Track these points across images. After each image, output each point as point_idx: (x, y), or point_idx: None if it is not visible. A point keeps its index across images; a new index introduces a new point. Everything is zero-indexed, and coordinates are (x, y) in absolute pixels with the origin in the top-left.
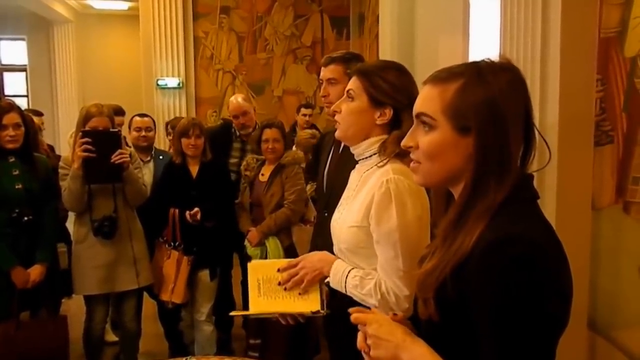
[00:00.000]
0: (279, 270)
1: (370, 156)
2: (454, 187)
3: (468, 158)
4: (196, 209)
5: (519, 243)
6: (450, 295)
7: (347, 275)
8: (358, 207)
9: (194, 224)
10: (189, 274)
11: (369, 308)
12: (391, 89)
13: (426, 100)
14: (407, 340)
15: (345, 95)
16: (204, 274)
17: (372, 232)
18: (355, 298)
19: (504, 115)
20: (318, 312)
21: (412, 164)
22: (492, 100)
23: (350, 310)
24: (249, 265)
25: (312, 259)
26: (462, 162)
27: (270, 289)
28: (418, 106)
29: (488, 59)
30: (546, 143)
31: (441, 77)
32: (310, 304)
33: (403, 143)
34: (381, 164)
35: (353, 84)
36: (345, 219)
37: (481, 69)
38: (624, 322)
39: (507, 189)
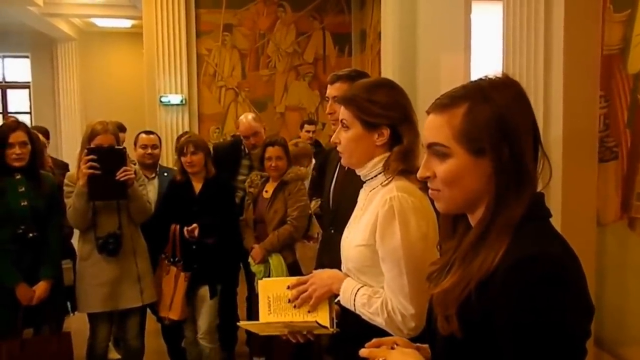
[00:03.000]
0: (288, 287)
1: (376, 175)
2: (474, 210)
3: (487, 179)
4: (194, 225)
5: (546, 261)
6: (474, 311)
7: (356, 294)
8: (364, 226)
9: (192, 240)
10: (188, 290)
11: (378, 328)
12: (382, 108)
13: (434, 129)
14: None
15: (340, 125)
16: (205, 291)
17: (377, 249)
18: (363, 317)
19: (515, 130)
20: (327, 328)
21: (431, 192)
22: (500, 117)
23: (363, 351)
24: (260, 283)
25: (322, 276)
26: (482, 184)
27: (280, 306)
28: (427, 137)
29: (486, 76)
30: (547, 159)
31: (445, 104)
32: (320, 321)
33: (419, 175)
34: (385, 182)
35: (343, 113)
36: (352, 238)
37: (484, 88)
38: (630, 339)
39: (525, 202)
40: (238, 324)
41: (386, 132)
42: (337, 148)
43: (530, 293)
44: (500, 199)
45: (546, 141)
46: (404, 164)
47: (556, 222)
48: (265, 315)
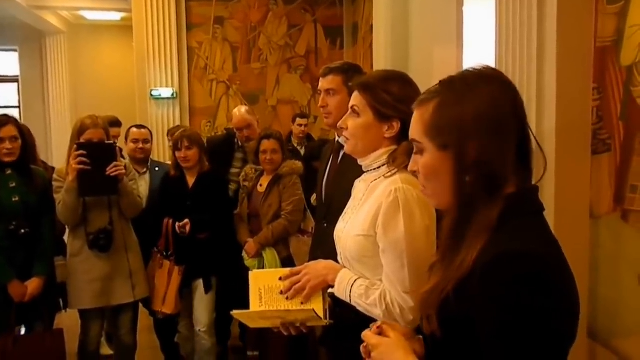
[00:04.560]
0: (280, 278)
1: (379, 167)
2: None
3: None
4: (186, 220)
5: (521, 259)
6: (453, 312)
7: (352, 285)
8: (364, 216)
9: (183, 236)
10: (182, 284)
11: (373, 320)
12: (396, 101)
13: (413, 125)
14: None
15: (350, 110)
16: (199, 285)
17: (378, 241)
18: (359, 308)
19: (484, 128)
20: (321, 319)
21: (421, 189)
22: (466, 115)
23: (363, 335)
24: (251, 274)
25: (317, 267)
26: (453, 180)
27: (272, 298)
28: (410, 133)
29: (469, 70)
30: (542, 152)
31: (422, 99)
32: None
33: (409, 168)
34: (389, 174)
35: (356, 99)
36: (351, 228)
37: (455, 84)
38: (624, 331)
39: (501, 204)
40: (232, 313)
41: (397, 125)
42: (344, 133)
43: (504, 292)
44: (465, 197)
45: (539, 133)
46: (410, 159)
47: (549, 214)
48: (257, 306)
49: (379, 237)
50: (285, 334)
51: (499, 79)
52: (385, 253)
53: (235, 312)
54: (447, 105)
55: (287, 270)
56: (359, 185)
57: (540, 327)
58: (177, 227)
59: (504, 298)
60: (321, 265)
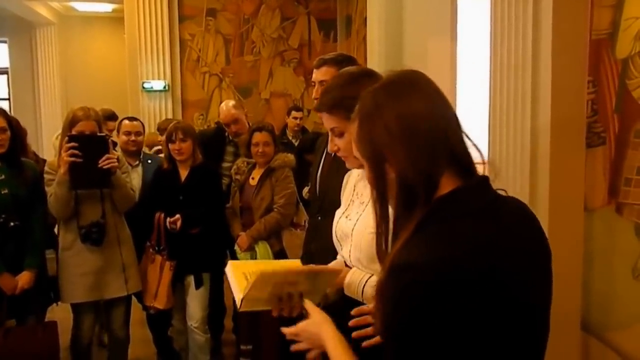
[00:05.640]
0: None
1: None
2: None
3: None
4: (177, 216)
5: (411, 270)
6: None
7: (364, 284)
8: None
9: (174, 232)
10: (173, 279)
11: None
12: None
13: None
14: (327, 330)
15: (331, 133)
16: (191, 280)
17: None
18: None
19: (396, 143)
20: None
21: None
22: (377, 133)
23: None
24: (230, 263)
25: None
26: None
27: None
28: None
29: (388, 79)
30: (478, 149)
31: (352, 118)
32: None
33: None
34: None
35: (329, 121)
36: (363, 227)
37: (366, 106)
38: (617, 323)
39: (417, 216)
40: (229, 262)
41: None
42: (339, 154)
43: (392, 303)
44: (384, 208)
45: (534, 126)
46: None
47: (544, 207)
48: (244, 286)
49: None
50: (275, 314)
51: (417, 84)
52: None
53: (232, 262)
54: (362, 126)
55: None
56: (362, 182)
57: (427, 335)
58: (167, 223)
59: (391, 309)
60: (313, 327)
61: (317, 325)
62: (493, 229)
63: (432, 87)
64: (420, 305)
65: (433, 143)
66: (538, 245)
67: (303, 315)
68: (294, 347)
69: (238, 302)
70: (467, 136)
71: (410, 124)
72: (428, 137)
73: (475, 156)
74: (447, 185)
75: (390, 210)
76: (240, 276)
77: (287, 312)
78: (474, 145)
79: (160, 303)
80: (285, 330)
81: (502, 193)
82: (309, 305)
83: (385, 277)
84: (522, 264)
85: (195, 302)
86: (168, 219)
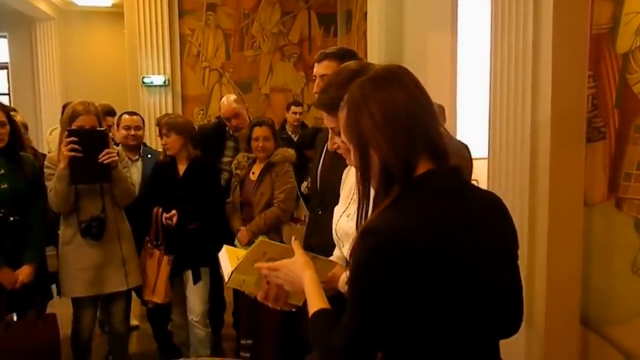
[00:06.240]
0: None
1: None
2: None
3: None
4: (173, 212)
5: (377, 235)
6: None
7: None
8: None
9: (170, 228)
10: (173, 274)
11: None
12: None
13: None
14: (310, 274)
15: (330, 131)
16: (190, 275)
17: None
18: None
19: (380, 132)
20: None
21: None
22: (364, 123)
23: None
24: (225, 247)
25: (294, 267)
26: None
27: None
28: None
29: (373, 73)
30: (447, 138)
31: (342, 106)
32: (295, 296)
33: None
34: None
35: (329, 121)
36: None
37: (355, 97)
38: (616, 318)
39: (397, 191)
40: (224, 246)
41: None
42: (339, 151)
43: (357, 263)
44: (366, 188)
45: (534, 121)
46: None
47: (544, 202)
48: (234, 265)
49: None
50: (261, 297)
51: (396, 79)
52: None
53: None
54: (349, 114)
55: (265, 265)
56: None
57: (385, 294)
58: (163, 219)
59: (356, 267)
60: (297, 266)
61: (300, 267)
62: (458, 207)
63: (412, 80)
64: (381, 267)
65: (411, 129)
66: (502, 230)
67: (300, 313)
68: (268, 279)
69: (226, 276)
70: (442, 126)
71: (391, 111)
72: (407, 124)
73: (451, 147)
74: (422, 168)
75: (372, 192)
76: (234, 258)
77: (271, 299)
78: (450, 135)
79: (158, 297)
80: (264, 265)
81: (475, 183)
82: (296, 245)
83: (356, 241)
84: (481, 242)
85: (195, 296)
86: (164, 215)
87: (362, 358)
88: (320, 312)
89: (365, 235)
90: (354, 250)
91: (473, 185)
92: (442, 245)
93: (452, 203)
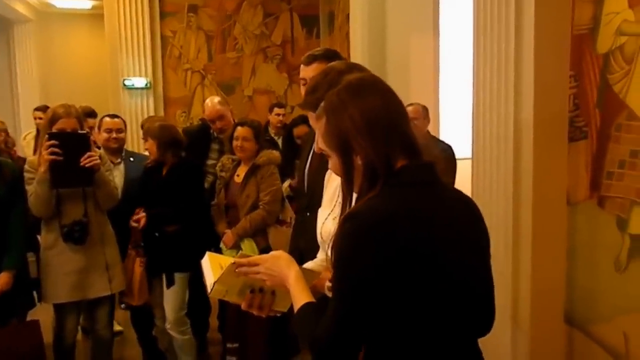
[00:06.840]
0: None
1: None
2: None
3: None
4: (142, 214)
5: (354, 219)
6: None
7: None
8: None
9: (137, 229)
10: (149, 276)
11: None
12: None
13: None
14: (295, 270)
15: (317, 133)
16: (162, 280)
17: None
18: None
19: (361, 136)
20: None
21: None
22: (345, 128)
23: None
24: (208, 254)
25: (278, 262)
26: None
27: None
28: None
29: (353, 80)
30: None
31: (318, 115)
32: (280, 302)
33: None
34: None
35: (315, 122)
36: None
37: (333, 102)
38: (601, 316)
39: (377, 188)
40: (207, 253)
41: None
42: (324, 153)
43: (337, 246)
44: (349, 189)
45: (517, 121)
46: None
47: (527, 201)
48: (217, 275)
49: None
50: (245, 306)
51: (371, 86)
52: None
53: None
54: (329, 121)
55: (244, 260)
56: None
57: (361, 276)
58: (131, 221)
59: (337, 250)
60: (282, 261)
61: (285, 263)
62: (431, 199)
63: (386, 88)
64: (362, 249)
65: (389, 131)
66: (475, 227)
67: (287, 315)
68: (248, 274)
69: (209, 287)
70: (412, 128)
71: (371, 116)
72: (385, 127)
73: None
74: (399, 164)
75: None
76: (217, 266)
77: (256, 308)
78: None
79: (130, 299)
80: (243, 260)
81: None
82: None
83: (337, 228)
84: (455, 237)
85: (168, 303)
86: (132, 218)
87: (348, 343)
88: (306, 305)
89: (346, 220)
90: (336, 237)
91: (446, 184)
92: (420, 230)
93: (425, 194)
